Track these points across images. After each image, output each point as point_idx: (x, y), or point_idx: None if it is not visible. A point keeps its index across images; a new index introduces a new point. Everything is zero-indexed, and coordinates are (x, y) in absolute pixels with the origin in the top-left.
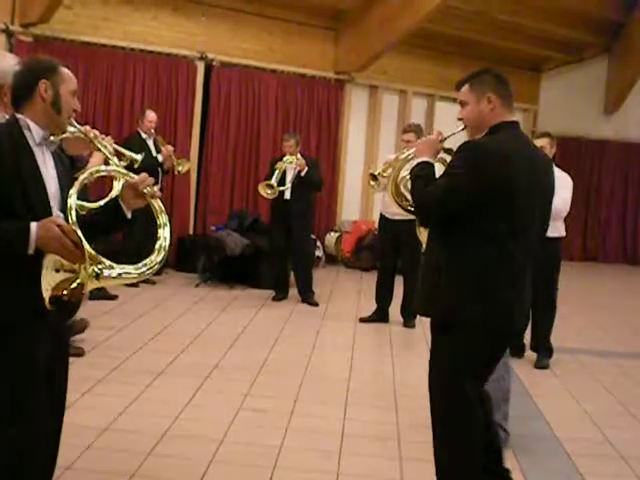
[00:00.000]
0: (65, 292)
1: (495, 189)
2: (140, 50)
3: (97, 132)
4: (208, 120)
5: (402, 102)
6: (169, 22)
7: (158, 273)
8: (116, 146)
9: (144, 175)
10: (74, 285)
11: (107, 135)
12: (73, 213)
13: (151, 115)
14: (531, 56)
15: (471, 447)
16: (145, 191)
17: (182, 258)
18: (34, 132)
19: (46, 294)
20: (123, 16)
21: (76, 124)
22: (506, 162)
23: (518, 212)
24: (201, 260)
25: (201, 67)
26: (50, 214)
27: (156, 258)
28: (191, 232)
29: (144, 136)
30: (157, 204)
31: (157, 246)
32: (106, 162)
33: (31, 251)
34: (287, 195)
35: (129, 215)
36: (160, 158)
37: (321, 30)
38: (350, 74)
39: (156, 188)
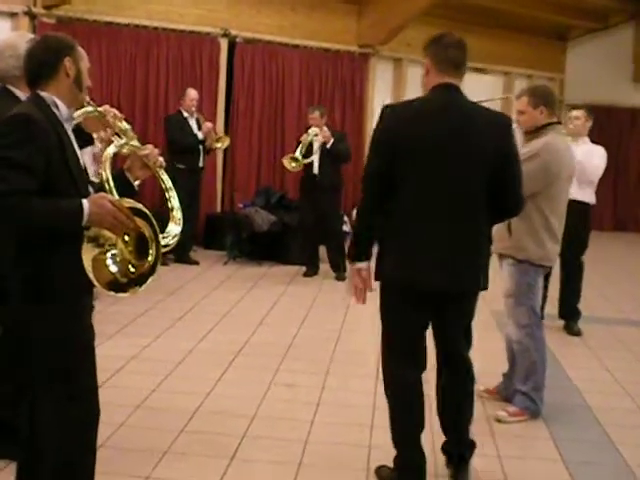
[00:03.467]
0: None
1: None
2: (163, 29)
3: (115, 111)
4: (233, 97)
5: None
6: (191, 0)
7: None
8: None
9: (150, 146)
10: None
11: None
12: (112, 186)
13: (192, 93)
14: (556, 24)
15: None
16: (153, 162)
17: (210, 235)
18: (61, 109)
19: (88, 269)
20: None
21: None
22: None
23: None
24: (229, 237)
25: (224, 44)
26: (87, 189)
27: (175, 228)
28: (219, 210)
29: (185, 115)
30: (163, 175)
31: (174, 215)
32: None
33: (83, 228)
34: (315, 170)
35: (136, 186)
36: (200, 136)
37: (344, 4)
38: (374, 47)
39: (200, 165)
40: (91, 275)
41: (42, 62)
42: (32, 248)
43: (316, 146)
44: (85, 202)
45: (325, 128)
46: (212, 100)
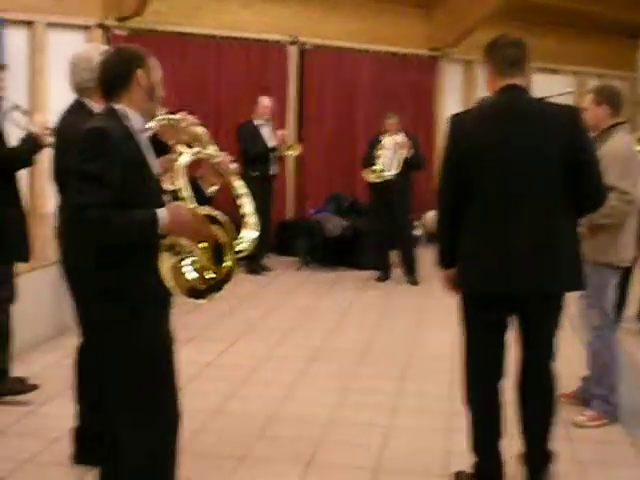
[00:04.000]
0: (207, 280)
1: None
2: (232, 38)
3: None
4: (303, 104)
5: None
6: (260, 8)
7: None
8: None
9: (223, 153)
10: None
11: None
12: (187, 194)
13: (265, 101)
14: (627, 22)
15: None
16: (225, 169)
17: (283, 242)
18: (134, 120)
19: (166, 277)
20: (214, 4)
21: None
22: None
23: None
24: (301, 243)
25: (293, 51)
26: (162, 199)
27: (250, 234)
28: (290, 216)
29: (257, 123)
30: (236, 182)
31: (248, 220)
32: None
33: (161, 237)
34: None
35: (210, 194)
36: (272, 144)
37: (412, 8)
38: (443, 50)
39: (272, 172)
40: (170, 284)
41: (115, 74)
42: (110, 260)
43: (398, 158)
44: (160, 212)
45: (405, 137)
46: (282, 108)
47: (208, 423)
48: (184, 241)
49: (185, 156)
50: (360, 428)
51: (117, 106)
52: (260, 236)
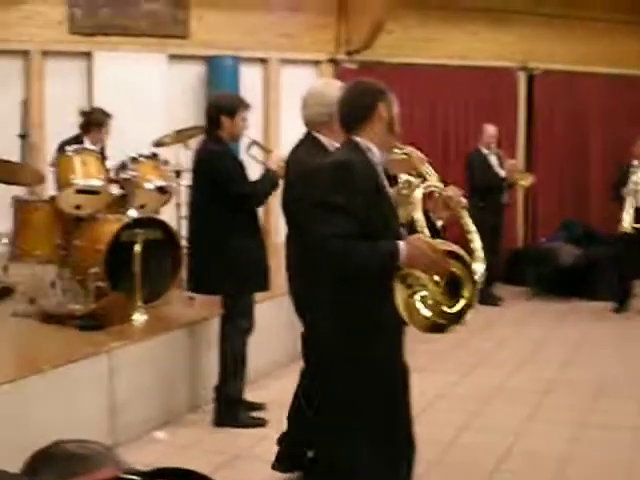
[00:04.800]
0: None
1: None
2: (462, 66)
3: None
4: (532, 130)
5: None
6: (489, 35)
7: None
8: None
9: (453, 187)
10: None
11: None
12: (423, 227)
13: (490, 130)
14: None
15: None
16: (455, 203)
17: (511, 270)
18: (375, 153)
19: (400, 308)
20: (443, 35)
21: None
22: None
23: None
24: (531, 272)
25: (522, 77)
26: (399, 231)
27: (479, 267)
28: (520, 244)
29: (485, 152)
30: (466, 216)
31: (477, 255)
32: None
33: (400, 270)
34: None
35: (439, 226)
36: (502, 173)
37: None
38: None
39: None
40: (405, 315)
41: (358, 108)
42: (347, 290)
43: None
44: (401, 244)
45: None
46: (512, 135)
47: (442, 455)
48: (417, 273)
49: (420, 189)
50: (599, 465)
51: (358, 139)
52: (490, 266)
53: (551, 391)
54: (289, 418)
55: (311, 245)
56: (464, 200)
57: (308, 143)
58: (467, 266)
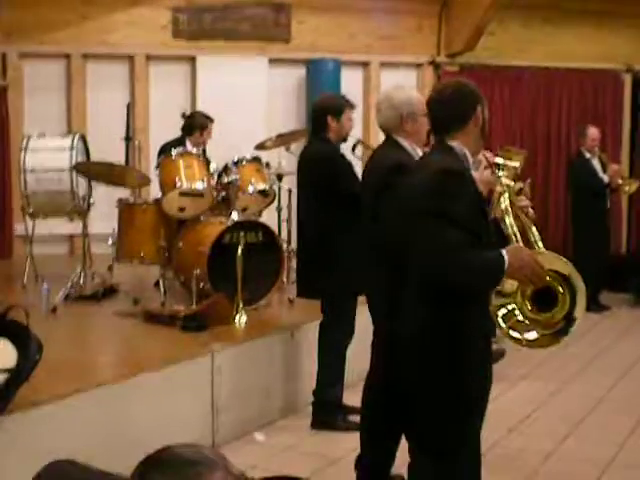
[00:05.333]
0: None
1: None
2: (564, 68)
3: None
4: (637, 134)
5: None
6: (592, 37)
7: None
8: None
9: (524, 198)
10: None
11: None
12: (517, 235)
13: (593, 132)
14: None
15: None
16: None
17: (615, 277)
18: (469, 160)
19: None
20: (546, 36)
21: None
22: None
23: None
24: (635, 279)
25: (628, 79)
26: (494, 239)
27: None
28: (624, 249)
29: (587, 155)
30: (532, 227)
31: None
32: None
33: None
34: None
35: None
36: (605, 178)
37: None
38: None
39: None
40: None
41: (458, 110)
42: (452, 301)
43: None
44: (504, 253)
45: None
46: (616, 139)
47: (544, 464)
48: (508, 285)
49: (505, 199)
50: None
51: (454, 143)
52: (597, 273)
53: None
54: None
55: (425, 255)
56: (532, 211)
57: (390, 145)
58: (565, 278)
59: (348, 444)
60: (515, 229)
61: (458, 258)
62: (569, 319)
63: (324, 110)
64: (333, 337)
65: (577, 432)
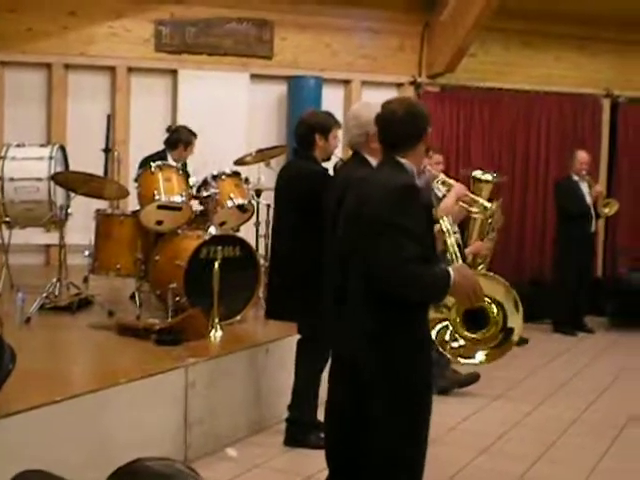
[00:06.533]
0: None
1: None
2: (543, 92)
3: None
4: (616, 158)
5: None
6: (572, 62)
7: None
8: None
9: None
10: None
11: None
12: (457, 254)
13: (581, 156)
14: None
15: None
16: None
17: (590, 300)
18: (416, 175)
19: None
20: (525, 59)
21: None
22: None
23: None
24: (611, 303)
25: (607, 104)
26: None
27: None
28: (600, 273)
29: (575, 179)
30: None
31: None
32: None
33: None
34: None
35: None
36: (587, 199)
37: None
38: None
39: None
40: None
41: (410, 131)
42: (402, 312)
43: None
44: (451, 270)
45: None
46: (595, 163)
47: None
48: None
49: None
50: None
51: (403, 160)
52: (579, 295)
53: (629, 426)
54: None
55: (379, 265)
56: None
57: (357, 161)
58: (496, 301)
59: (321, 461)
60: (455, 249)
61: (410, 270)
62: (506, 331)
63: (312, 127)
64: (309, 356)
65: (549, 454)
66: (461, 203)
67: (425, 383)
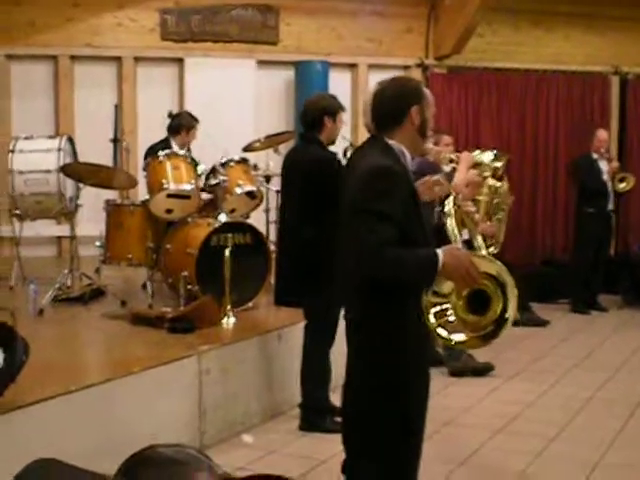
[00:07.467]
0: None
1: None
2: (552, 71)
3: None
4: (625, 135)
5: None
6: (581, 40)
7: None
8: None
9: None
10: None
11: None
12: (456, 236)
13: (601, 134)
14: None
15: None
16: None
17: (604, 279)
18: (407, 158)
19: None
20: (534, 39)
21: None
22: None
23: None
24: (624, 280)
25: (616, 82)
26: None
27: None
28: (613, 251)
29: (595, 157)
30: (474, 227)
31: None
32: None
33: (436, 279)
34: None
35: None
36: (605, 177)
37: None
38: None
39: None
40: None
41: (390, 111)
42: (384, 297)
43: None
44: (439, 252)
45: None
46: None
47: (529, 466)
48: (444, 285)
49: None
50: None
51: (392, 142)
52: (595, 273)
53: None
54: None
55: (356, 250)
56: (477, 216)
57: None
58: (500, 284)
59: (336, 445)
60: (456, 232)
61: (387, 253)
62: (500, 322)
63: (322, 109)
64: (317, 340)
65: (565, 433)
66: (472, 170)
67: (407, 372)
